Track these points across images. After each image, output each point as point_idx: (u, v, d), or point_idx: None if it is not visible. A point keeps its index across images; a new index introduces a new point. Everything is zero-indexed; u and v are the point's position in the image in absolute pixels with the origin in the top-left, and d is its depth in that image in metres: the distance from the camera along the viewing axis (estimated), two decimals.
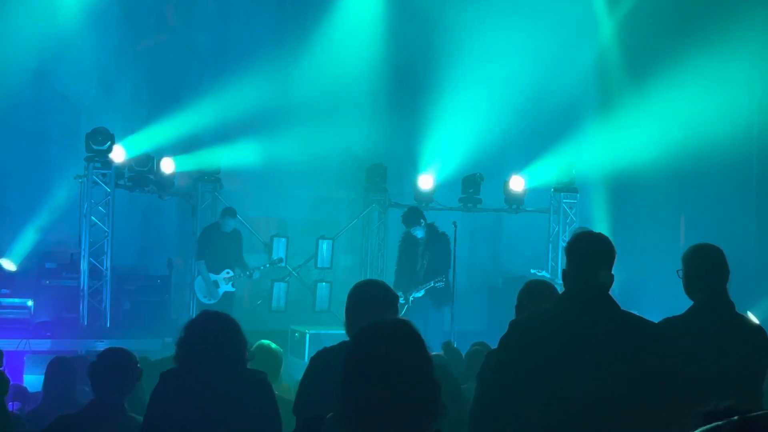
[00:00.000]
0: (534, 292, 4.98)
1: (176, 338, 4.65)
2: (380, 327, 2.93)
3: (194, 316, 4.81)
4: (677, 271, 4.89)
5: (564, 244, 14.44)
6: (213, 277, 12.70)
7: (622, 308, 4.10)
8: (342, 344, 4.59)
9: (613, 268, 4.12)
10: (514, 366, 4.01)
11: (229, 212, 12.78)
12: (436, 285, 11.65)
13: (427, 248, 11.85)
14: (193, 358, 4.56)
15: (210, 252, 12.73)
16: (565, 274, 4.16)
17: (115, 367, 4.90)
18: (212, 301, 12.52)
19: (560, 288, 4.39)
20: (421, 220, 11.90)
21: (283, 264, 13.38)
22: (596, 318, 4.01)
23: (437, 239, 11.92)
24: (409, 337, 2.91)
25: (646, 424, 3.84)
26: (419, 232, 11.85)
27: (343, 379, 2.88)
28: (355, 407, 2.83)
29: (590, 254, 4.11)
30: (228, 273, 12.75)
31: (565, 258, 4.19)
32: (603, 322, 4.00)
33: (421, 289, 11.71)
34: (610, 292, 4.10)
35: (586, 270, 4.08)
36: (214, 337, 4.55)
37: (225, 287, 12.76)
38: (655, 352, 3.97)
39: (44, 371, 6.66)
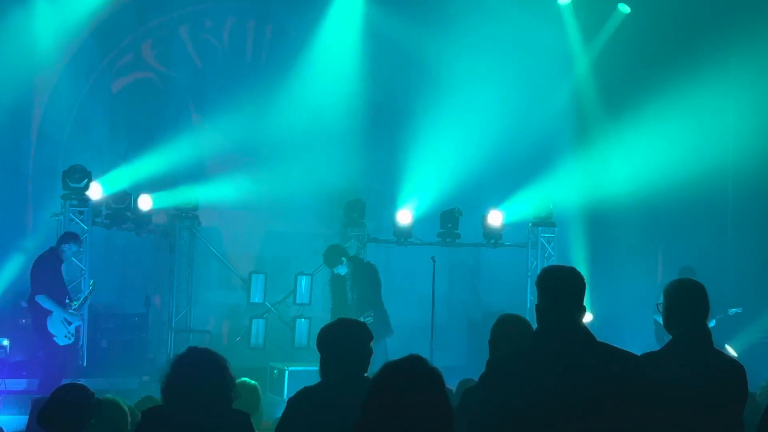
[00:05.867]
0: (508, 326, 4.98)
1: (162, 374, 4.55)
2: (400, 369, 2.95)
3: (182, 352, 4.69)
4: (657, 305, 4.91)
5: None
6: (62, 313, 10.94)
7: (598, 340, 4.10)
8: (321, 384, 4.57)
9: (592, 301, 4.14)
10: (496, 406, 3.99)
11: (62, 239, 11.21)
12: (365, 320, 11.03)
13: (354, 282, 11.54)
14: (178, 396, 4.47)
15: (55, 283, 11.08)
16: (539, 310, 4.15)
17: (65, 406, 4.71)
18: (72, 341, 11.01)
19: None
20: (342, 258, 11.60)
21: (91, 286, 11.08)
22: (575, 353, 3.99)
23: (360, 271, 11.59)
24: (428, 378, 2.93)
25: None
26: (342, 270, 11.55)
27: (361, 420, 2.89)
28: None
29: (562, 288, 4.12)
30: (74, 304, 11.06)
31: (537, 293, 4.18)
32: (582, 358, 3.98)
33: None
34: (588, 325, 4.09)
35: (559, 304, 4.09)
36: (201, 374, 4.46)
37: (75, 321, 11.02)
38: (635, 385, 3.96)
39: (21, 411, 6.58)
